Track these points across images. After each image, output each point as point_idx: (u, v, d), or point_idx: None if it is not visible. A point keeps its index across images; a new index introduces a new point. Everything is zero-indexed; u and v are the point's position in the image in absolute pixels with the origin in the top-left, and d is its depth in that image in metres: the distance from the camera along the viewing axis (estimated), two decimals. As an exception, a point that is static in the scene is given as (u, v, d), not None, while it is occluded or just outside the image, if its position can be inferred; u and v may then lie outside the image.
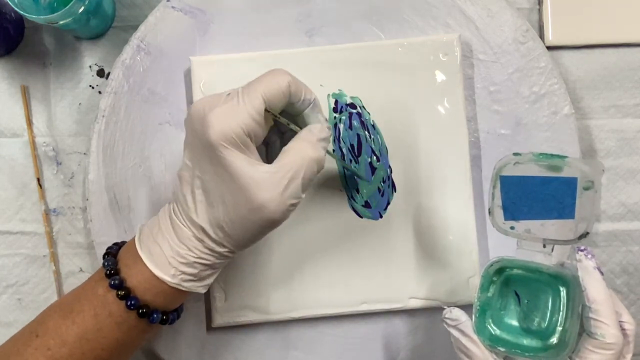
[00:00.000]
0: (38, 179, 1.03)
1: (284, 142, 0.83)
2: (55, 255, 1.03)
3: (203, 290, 0.84)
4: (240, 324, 0.99)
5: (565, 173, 0.79)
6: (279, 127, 0.86)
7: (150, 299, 0.81)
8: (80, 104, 1.04)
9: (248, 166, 0.76)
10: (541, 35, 1.03)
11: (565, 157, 0.79)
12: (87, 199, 1.00)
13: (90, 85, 1.04)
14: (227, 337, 1.00)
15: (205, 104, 0.77)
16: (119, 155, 1.00)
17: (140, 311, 0.81)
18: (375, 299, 0.99)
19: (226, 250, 0.81)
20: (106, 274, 0.81)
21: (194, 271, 0.81)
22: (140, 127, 1.01)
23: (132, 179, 1.01)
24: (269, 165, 0.77)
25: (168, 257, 0.79)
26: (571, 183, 0.79)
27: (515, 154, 0.81)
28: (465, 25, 1.01)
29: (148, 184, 1.01)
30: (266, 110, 0.78)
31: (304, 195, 0.80)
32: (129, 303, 0.80)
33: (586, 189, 0.78)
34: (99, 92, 1.04)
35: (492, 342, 0.79)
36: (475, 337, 0.79)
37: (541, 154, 0.80)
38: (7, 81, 1.05)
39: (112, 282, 0.80)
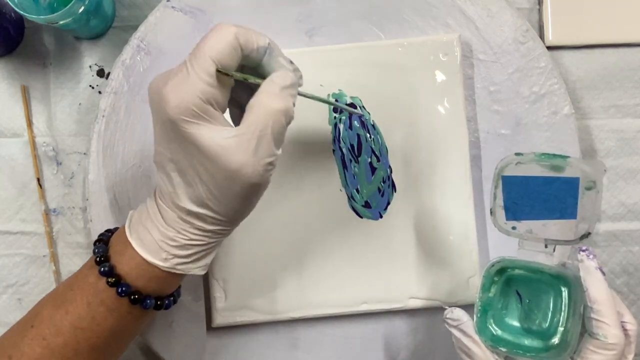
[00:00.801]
0: (38, 179, 1.03)
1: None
2: (55, 255, 1.03)
3: (201, 272, 0.82)
4: (241, 324, 0.99)
5: (567, 173, 0.79)
6: (247, 84, 0.79)
7: (142, 285, 0.80)
8: (80, 104, 1.04)
9: (213, 134, 0.72)
10: (541, 35, 1.03)
11: (567, 157, 0.79)
12: (87, 199, 1.00)
13: (90, 85, 1.04)
14: (227, 337, 1.00)
15: (159, 81, 0.74)
16: (119, 155, 1.00)
17: (132, 297, 0.79)
18: (376, 299, 0.99)
19: (218, 227, 0.78)
20: (96, 261, 0.80)
21: (187, 252, 0.79)
22: (140, 127, 1.01)
23: (132, 179, 1.01)
24: (235, 127, 0.74)
25: (158, 242, 0.78)
26: (573, 183, 0.79)
27: (517, 154, 0.81)
28: (465, 25, 1.02)
29: (148, 184, 1.01)
30: (219, 71, 0.73)
31: (279, 152, 0.76)
32: (119, 290, 0.78)
33: (588, 189, 0.78)
34: (99, 92, 1.04)
35: (494, 343, 0.79)
36: (476, 337, 0.79)
37: (543, 154, 0.80)
38: (7, 81, 1.05)
39: (102, 269, 0.79)
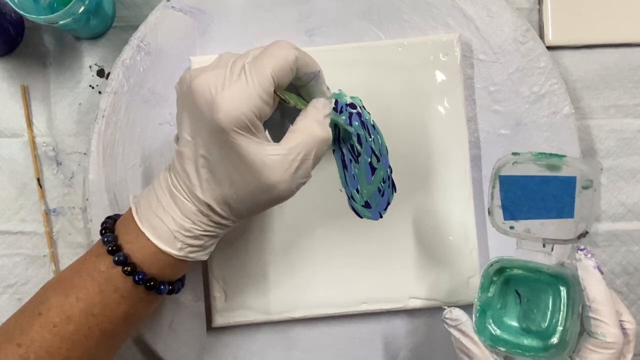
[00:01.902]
0: (38, 179, 1.03)
1: (284, 113, 0.84)
2: (55, 255, 1.03)
3: (205, 257, 0.85)
4: (240, 324, 0.99)
5: (564, 172, 0.79)
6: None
7: (156, 272, 0.82)
8: (80, 104, 1.04)
9: (259, 149, 0.75)
10: (541, 35, 1.03)
11: (564, 156, 0.79)
12: (87, 199, 1.00)
13: (90, 85, 1.04)
14: (227, 337, 1.00)
15: (210, 83, 0.75)
16: (119, 155, 1.00)
17: (148, 284, 0.81)
18: (375, 299, 0.99)
19: (230, 222, 0.81)
20: (109, 251, 0.80)
21: (200, 242, 0.82)
22: (140, 127, 1.01)
23: (132, 179, 1.01)
24: (279, 146, 0.77)
25: (173, 232, 0.79)
26: (570, 182, 0.79)
27: (514, 154, 0.81)
28: (465, 25, 1.01)
29: (148, 184, 1.00)
30: (275, 91, 0.77)
31: (312, 174, 0.80)
32: (136, 278, 0.80)
33: (585, 188, 0.78)
34: (99, 92, 1.04)
35: (493, 342, 0.79)
36: (475, 337, 0.79)
37: (540, 153, 0.80)
38: (7, 81, 1.05)
39: (117, 258, 0.80)
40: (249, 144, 0.75)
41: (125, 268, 0.80)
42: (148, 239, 0.80)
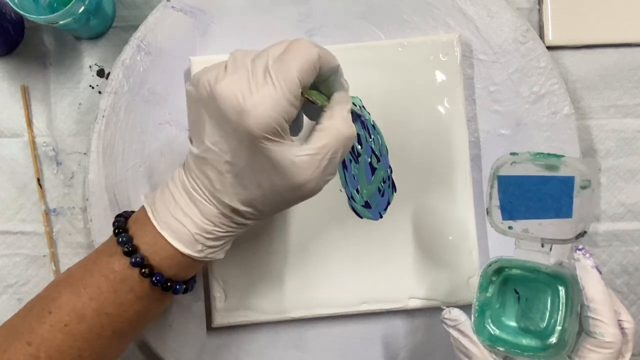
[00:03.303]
0: (38, 179, 1.03)
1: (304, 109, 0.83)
2: (55, 255, 1.03)
3: (222, 256, 0.84)
4: (241, 324, 0.99)
5: (562, 172, 0.79)
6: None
7: (174, 273, 0.81)
8: (80, 104, 1.04)
9: (288, 151, 0.74)
10: (541, 35, 1.03)
11: (562, 156, 0.79)
12: (87, 199, 1.00)
13: (90, 85, 1.05)
14: (227, 337, 1.00)
15: (235, 89, 0.73)
16: (119, 155, 1.00)
17: (165, 285, 0.81)
18: (375, 299, 0.99)
19: (252, 221, 0.81)
20: (125, 252, 0.80)
21: (220, 243, 0.81)
22: (140, 127, 1.01)
23: (132, 179, 1.01)
24: (308, 146, 0.76)
25: (193, 234, 0.79)
26: (568, 182, 0.79)
27: (512, 154, 0.81)
28: (465, 25, 1.02)
29: (148, 184, 1.01)
30: (302, 93, 0.76)
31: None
32: (154, 279, 0.80)
33: (583, 188, 0.78)
34: (99, 92, 1.04)
35: (492, 342, 0.79)
36: (474, 337, 0.79)
37: (538, 153, 0.80)
38: (7, 81, 1.05)
39: (135, 259, 0.79)
40: (279, 148, 0.74)
41: (143, 270, 0.79)
42: (167, 241, 0.79)
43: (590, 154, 1.03)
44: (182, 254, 0.80)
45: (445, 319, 0.81)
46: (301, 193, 0.78)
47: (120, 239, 0.81)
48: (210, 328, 1.00)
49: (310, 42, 0.77)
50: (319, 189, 0.79)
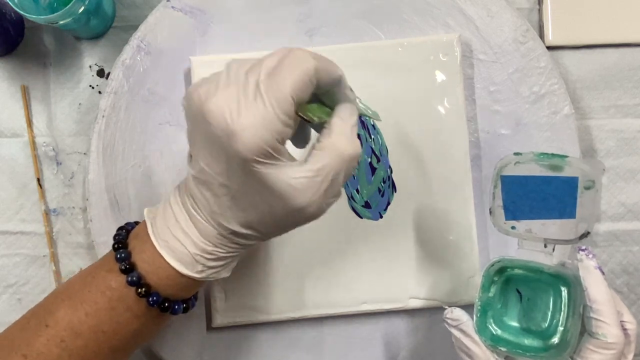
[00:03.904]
0: (38, 179, 1.03)
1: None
2: (55, 255, 1.03)
3: (227, 274, 0.81)
4: (241, 324, 0.99)
5: (566, 172, 0.79)
6: None
7: (172, 293, 0.79)
8: (80, 104, 1.04)
9: (284, 173, 0.69)
10: (541, 35, 1.03)
11: (566, 156, 0.79)
12: (87, 199, 1.00)
13: (90, 85, 1.04)
14: (227, 337, 1.00)
15: (224, 108, 0.68)
16: (119, 155, 1.00)
17: (162, 306, 0.78)
18: (376, 299, 0.99)
19: (254, 242, 0.77)
20: (122, 270, 0.77)
21: (222, 263, 0.78)
22: (140, 127, 1.01)
23: (132, 179, 1.01)
24: (306, 167, 0.70)
25: (193, 255, 0.76)
26: (572, 182, 0.79)
27: (516, 154, 0.81)
28: (465, 25, 1.02)
29: (148, 184, 1.01)
30: (296, 112, 0.70)
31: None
32: (150, 300, 0.77)
33: (587, 188, 0.78)
34: (99, 92, 1.04)
35: (494, 342, 0.79)
36: (476, 337, 0.79)
37: (542, 153, 0.80)
38: (7, 81, 1.04)
39: (131, 278, 0.77)
40: (273, 170, 0.69)
41: (139, 290, 0.77)
42: (165, 261, 0.76)
43: (590, 154, 1.03)
44: (181, 274, 0.77)
45: (448, 318, 0.81)
46: (302, 217, 0.73)
47: (119, 255, 0.78)
48: (210, 328, 1.00)
49: (306, 52, 0.72)
50: (322, 212, 0.74)
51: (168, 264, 0.76)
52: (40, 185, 1.03)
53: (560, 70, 1.02)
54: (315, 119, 0.72)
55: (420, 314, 1.00)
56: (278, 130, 0.68)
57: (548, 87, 1.00)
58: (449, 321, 0.81)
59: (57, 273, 1.03)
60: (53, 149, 1.03)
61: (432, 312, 1.00)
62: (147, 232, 0.78)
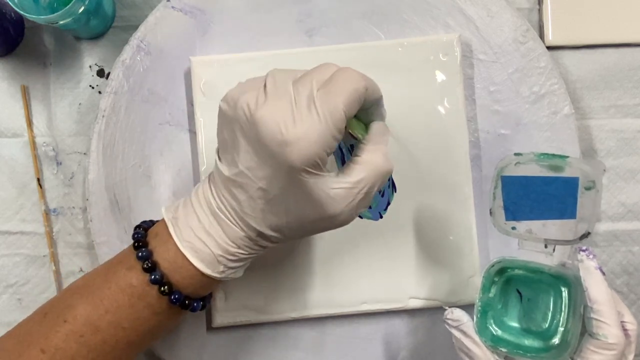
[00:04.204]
0: (38, 179, 1.03)
1: None
2: (55, 255, 1.03)
3: (241, 274, 0.84)
4: (241, 324, 0.99)
5: (567, 173, 0.79)
6: None
7: (192, 291, 0.81)
8: (80, 104, 1.04)
9: (325, 183, 0.73)
10: (541, 35, 1.03)
11: (567, 157, 0.79)
12: (87, 199, 1.00)
13: (90, 85, 1.04)
14: (227, 337, 1.00)
15: (278, 118, 0.71)
16: (119, 155, 1.00)
17: (183, 303, 0.80)
18: (376, 299, 0.99)
19: (276, 245, 0.80)
20: (144, 268, 0.79)
21: (241, 264, 0.81)
22: (140, 127, 1.01)
23: (132, 179, 1.01)
24: (344, 179, 0.74)
25: (216, 255, 0.78)
26: (572, 183, 0.79)
27: (517, 154, 0.81)
28: (465, 25, 1.02)
29: (148, 184, 1.01)
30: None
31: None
32: (173, 298, 0.79)
33: (587, 188, 0.78)
34: (99, 92, 1.04)
35: (494, 343, 0.79)
36: (476, 337, 0.79)
37: (542, 154, 0.80)
38: (7, 81, 1.04)
39: (154, 277, 0.78)
40: (317, 180, 0.72)
41: (162, 288, 0.79)
42: (188, 261, 0.78)
43: (590, 154, 1.03)
44: (203, 274, 0.79)
45: (448, 319, 0.81)
46: (332, 224, 0.77)
47: (140, 254, 0.80)
48: (210, 328, 1.00)
49: (357, 72, 0.74)
50: (351, 221, 0.77)
51: (190, 263, 0.78)
52: (40, 185, 1.03)
53: (560, 70, 1.02)
54: (360, 136, 0.78)
55: (420, 314, 1.00)
56: (329, 143, 0.72)
57: (548, 87, 1.00)
58: (449, 322, 0.81)
59: (57, 273, 1.03)
60: (53, 149, 1.03)
61: (432, 312, 1.00)
62: (167, 231, 0.80)
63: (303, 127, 0.70)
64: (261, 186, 0.74)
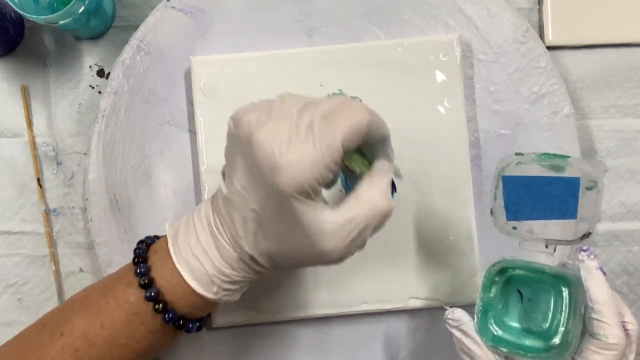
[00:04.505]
0: (38, 179, 1.03)
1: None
2: (55, 255, 1.03)
3: (237, 298, 0.82)
4: (240, 324, 0.99)
5: (568, 173, 0.79)
6: None
7: (187, 312, 0.80)
8: (80, 104, 1.04)
9: (316, 215, 0.70)
10: (541, 35, 1.03)
11: (568, 157, 0.79)
12: (87, 199, 1.00)
13: (90, 85, 1.04)
14: (227, 337, 1.00)
15: (274, 141, 0.70)
16: (119, 155, 1.00)
17: (177, 323, 0.80)
18: (376, 299, 0.99)
19: (269, 272, 0.78)
20: (141, 285, 0.78)
21: (236, 287, 0.79)
22: (140, 127, 1.01)
23: (132, 179, 1.01)
24: (338, 213, 0.71)
25: (211, 275, 0.77)
26: (573, 183, 0.79)
27: (518, 154, 0.81)
28: (465, 25, 1.02)
29: (148, 184, 1.01)
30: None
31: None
32: (166, 317, 0.78)
33: (588, 189, 0.78)
34: (99, 92, 1.04)
35: (495, 343, 0.79)
36: (477, 337, 0.79)
37: (543, 153, 0.80)
38: (7, 81, 1.04)
39: (149, 294, 0.78)
40: (307, 209, 0.70)
41: (157, 306, 0.78)
42: (183, 279, 0.77)
43: (590, 154, 1.03)
44: (197, 294, 0.78)
45: (449, 319, 0.81)
46: (322, 260, 0.73)
47: (138, 270, 0.79)
48: (210, 328, 1.00)
49: (363, 106, 0.73)
50: (343, 260, 0.74)
51: (185, 282, 0.77)
52: (40, 185, 1.03)
53: (560, 70, 1.02)
54: (357, 169, 0.76)
55: (421, 314, 1.00)
56: (322, 174, 0.70)
57: (548, 87, 1.00)
58: (450, 322, 0.81)
59: (57, 273, 1.03)
60: (53, 149, 1.03)
61: (432, 312, 1.00)
62: (167, 248, 0.79)
63: (297, 153, 0.69)
64: (254, 208, 0.73)
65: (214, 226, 0.77)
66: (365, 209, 0.72)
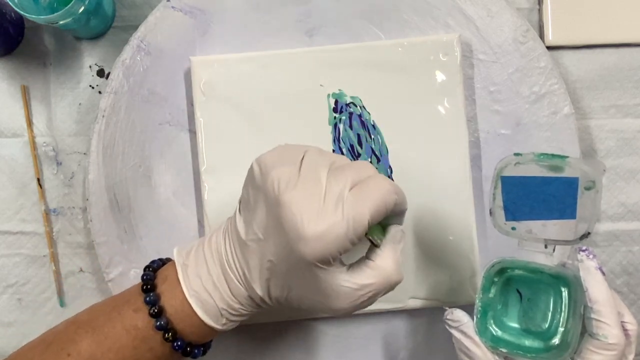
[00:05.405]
0: (38, 179, 1.03)
1: None
2: (55, 255, 1.03)
3: (237, 324, 0.84)
4: (241, 323, 0.99)
5: (567, 173, 0.79)
6: None
7: (194, 339, 0.81)
8: (80, 104, 1.04)
9: (333, 278, 0.73)
10: (541, 35, 1.03)
11: (566, 157, 0.79)
12: (87, 199, 1.00)
13: (90, 85, 1.04)
14: (227, 337, 1.00)
15: (302, 209, 0.71)
16: (119, 155, 1.00)
17: (185, 350, 0.81)
18: (375, 298, 0.99)
19: (276, 308, 0.81)
20: (150, 314, 0.79)
21: (242, 318, 0.82)
22: (140, 127, 1.01)
23: (132, 179, 1.01)
24: (353, 278, 0.74)
25: (220, 309, 0.78)
26: (572, 183, 0.79)
27: (516, 154, 0.81)
28: (465, 25, 1.01)
29: (148, 184, 1.01)
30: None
31: None
32: (175, 345, 0.79)
33: (587, 189, 0.78)
34: (99, 92, 1.04)
35: (494, 343, 0.79)
36: (477, 338, 0.79)
37: (542, 154, 0.80)
38: (7, 81, 1.04)
39: (159, 323, 0.78)
40: (325, 273, 0.73)
41: (167, 335, 0.79)
42: (193, 310, 0.79)
43: (590, 154, 1.03)
44: (206, 324, 0.79)
45: (448, 319, 0.81)
46: (330, 313, 0.77)
47: (148, 298, 0.80)
48: (210, 328, 1.00)
49: (391, 184, 0.75)
50: (348, 316, 0.80)
51: (195, 313, 0.79)
52: (40, 185, 1.03)
53: (560, 70, 1.02)
54: (379, 242, 0.77)
55: (420, 314, 1.00)
56: (345, 246, 0.71)
57: (548, 87, 1.00)
58: (449, 322, 0.81)
59: (57, 273, 1.03)
60: (53, 149, 1.03)
61: (431, 312, 1.00)
62: (176, 276, 0.80)
63: (324, 225, 0.70)
64: (271, 259, 0.74)
65: (225, 263, 0.78)
66: (380, 279, 0.75)
